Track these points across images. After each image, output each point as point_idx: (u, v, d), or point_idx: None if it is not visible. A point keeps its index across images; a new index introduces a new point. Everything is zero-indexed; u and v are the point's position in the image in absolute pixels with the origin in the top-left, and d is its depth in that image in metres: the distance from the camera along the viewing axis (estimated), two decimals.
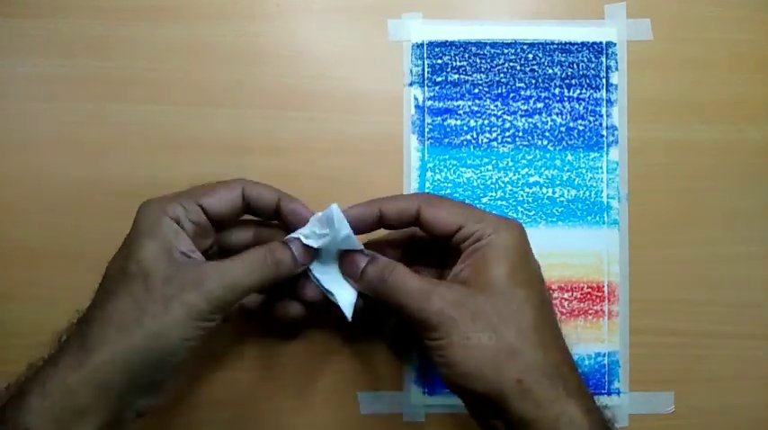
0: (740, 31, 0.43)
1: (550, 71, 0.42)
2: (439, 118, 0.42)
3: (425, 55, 0.42)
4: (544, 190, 0.42)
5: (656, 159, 0.42)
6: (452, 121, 0.42)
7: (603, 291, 0.42)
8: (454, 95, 0.42)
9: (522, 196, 0.42)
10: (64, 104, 0.41)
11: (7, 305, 0.40)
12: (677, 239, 0.42)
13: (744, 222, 0.42)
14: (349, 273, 0.34)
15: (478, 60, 0.42)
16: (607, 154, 0.42)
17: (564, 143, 0.42)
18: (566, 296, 0.42)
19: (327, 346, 0.41)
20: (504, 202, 0.42)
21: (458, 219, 0.33)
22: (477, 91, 0.42)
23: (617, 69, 0.42)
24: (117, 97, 0.41)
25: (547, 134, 0.42)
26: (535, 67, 0.42)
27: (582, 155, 0.42)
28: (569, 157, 0.42)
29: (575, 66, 0.42)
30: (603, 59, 0.42)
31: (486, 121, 0.42)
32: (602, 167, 0.42)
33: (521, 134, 0.42)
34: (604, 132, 0.42)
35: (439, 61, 0.42)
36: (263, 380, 0.41)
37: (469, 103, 0.42)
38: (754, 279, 0.42)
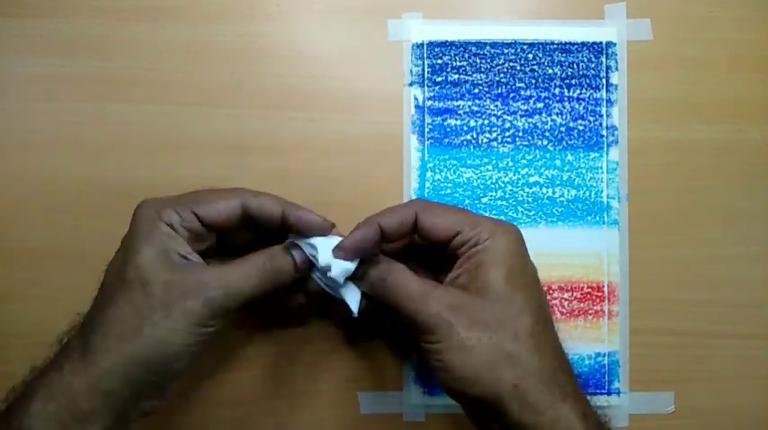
0: (740, 31, 0.43)
1: (550, 71, 0.42)
2: (439, 118, 0.42)
3: (425, 55, 0.42)
4: (544, 190, 0.42)
5: (656, 159, 0.42)
6: (452, 121, 0.42)
7: (603, 291, 0.42)
8: (454, 95, 0.42)
9: (522, 196, 0.42)
10: (64, 104, 0.41)
11: (7, 305, 0.40)
12: (677, 239, 0.42)
13: (744, 222, 0.42)
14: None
15: (478, 60, 0.42)
16: (607, 154, 0.42)
17: (564, 143, 0.42)
18: (566, 296, 0.42)
19: (327, 346, 0.41)
20: (504, 202, 0.42)
21: (454, 226, 0.33)
22: (477, 91, 0.42)
23: (617, 69, 0.42)
24: (117, 97, 0.41)
25: (547, 134, 0.42)
26: (535, 67, 0.42)
27: (582, 155, 0.42)
28: (569, 157, 0.42)
29: (575, 66, 0.42)
30: (603, 59, 0.42)
31: (486, 121, 0.42)
32: (602, 167, 0.42)
33: (521, 134, 0.42)
34: (604, 132, 0.42)
35: (439, 61, 0.42)
36: (263, 380, 0.41)
37: (469, 103, 0.42)
38: (754, 279, 0.42)
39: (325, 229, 0.33)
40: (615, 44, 0.42)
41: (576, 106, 0.42)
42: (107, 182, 0.41)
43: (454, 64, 0.42)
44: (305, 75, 0.42)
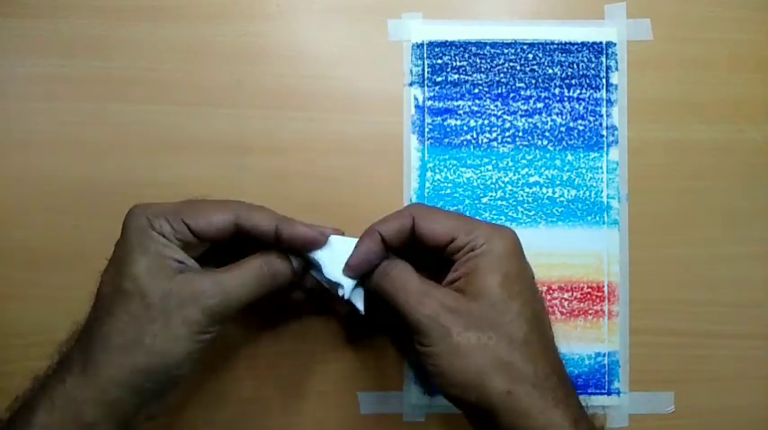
0: (740, 31, 0.43)
1: (550, 71, 0.42)
2: (439, 118, 0.42)
3: (425, 55, 0.42)
4: (544, 190, 0.42)
5: (656, 159, 0.42)
6: (452, 121, 0.42)
7: (603, 291, 0.42)
8: (454, 95, 0.42)
9: (522, 196, 0.42)
10: (64, 104, 0.41)
11: (7, 305, 0.40)
12: (677, 239, 0.42)
13: (744, 222, 0.42)
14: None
15: (478, 60, 0.42)
16: (607, 154, 0.42)
17: (564, 143, 0.42)
18: (566, 296, 0.42)
19: (327, 346, 0.41)
20: (504, 202, 0.42)
21: (450, 231, 0.32)
22: (477, 91, 0.42)
23: (617, 69, 0.42)
24: (117, 97, 0.41)
25: (547, 134, 0.42)
26: (535, 67, 0.42)
27: (582, 155, 0.42)
28: (569, 157, 0.42)
29: (575, 66, 0.42)
30: (603, 59, 0.42)
31: (486, 121, 0.42)
32: (602, 167, 0.42)
33: (521, 134, 0.42)
34: (604, 132, 0.42)
35: (439, 61, 0.42)
36: (263, 379, 0.41)
37: (469, 103, 0.42)
38: (754, 279, 0.42)
39: (320, 244, 0.33)
40: (615, 44, 0.42)
41: (576, 106, 0.42)
42: (107, 182, 0.41)
43: (454, 64, 0.42)
44: (305, 75, 0.42)
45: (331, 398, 0.41)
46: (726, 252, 0.42)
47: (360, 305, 0.35)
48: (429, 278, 0.34)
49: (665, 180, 0.42)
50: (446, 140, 0.42)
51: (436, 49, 0.42)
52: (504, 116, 0.42)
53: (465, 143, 0.42)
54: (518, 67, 0.42)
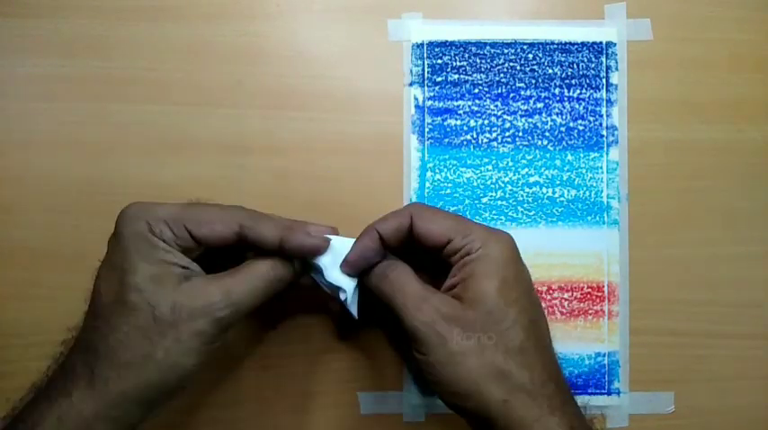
0: (740, 31, 0.43)
1: (550, 71, 0.42)
2: (439, 118, 0.42)
3: (425, 55, 0.42)
4: (544, 190, 0.42)
5: (656, 159, 0.42)
6: (452, 121, 0.42)
7: (603, 291, 0.42)
8: (454, 95, 0.42)
9: (522, 196, 0.42)
10: (64, 104, 0.41)
11: (7, 305, 0.40)
12: (677, 239, 0.42)
13: (744, 222, 0.42)
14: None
15: (478, 60, 0.42)
16: (607, 154, 0.42)
17: (564, 143, 0.42)
18: (566, 296, 0.42)
19: (327, 346, 0.41)
20: (504, 202, 0.42)
21: (447, 232, 0.32)
22: (477, 91, 0.42)
23: (617, 69, 0.42)
24: (117, 97, 0.41)
25: (547, 134, 0.42)
26: (535, 67, 0.42)
27: (582, 155, 0.42)
28: (569, 157, 0.42)
29: (575, 66, 0.42)
30: (603, 59, 0.42)
31: (486, 121, 0.42)
32: (602, 167, 0.42)
33: (521, 134, 0.42)
34: (604, 132, 0.42)
35: (439, 61, 0.42)
36: (262, 380, 0.41)
37: (469, 102, 0.42)
38: (754, 279, 0.42)
39: (323, 251, 0.33)
40: (615, 44, 0.42)
41: (576, 106, 0.42)
42: (107, 182, 0.41)
43: (454, 64, 0.42)
44: (305, 75, 0.42)
45: (331, 398, 0.41)
46: (726, 252, 0.42)
47: (354, 310, 0.34)
48: (428, 280, 0.34)
49: (665, 180, 0.42)
50: (446, 140, 0.42)
51: (436, 49, 0.42)
52: (504, 116, 0.42)
53: (465, 143, 0.42)
54: (518, 67, 0.42)
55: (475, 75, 0.42)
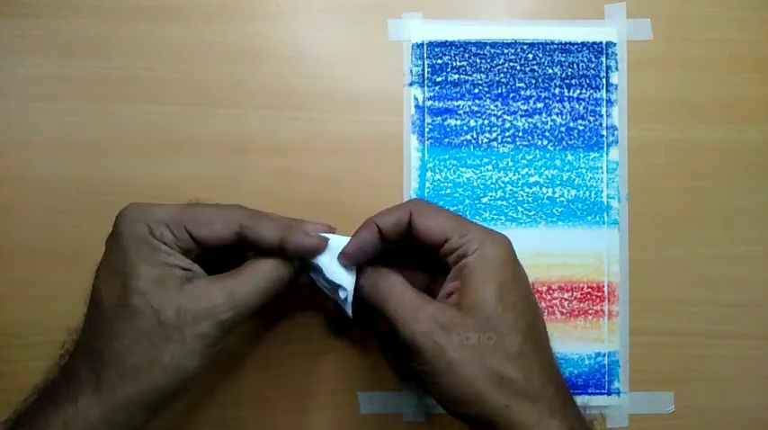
0: (740, 31, 0.43)
1: (550, 71, 0.42)
2: (439, 118, 0.42)
3: (425, 55, 0.42)
4: (544, 190, 0.42)
5: (656, 159, 0.42)
6: (452, 121, 0.42)
7: (603, 291, 0.42)
8: (454, 95, 0.42)
9: (522, 196, 0.42)
10: (64, 104, 0.41)
11: (7, 305, 0.40)
12: (677, 239, 0.42)
13: (744, 222, 0.42)
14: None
15: (478, 60, 0.42)
16: (607, 154, 0.42)
17: (564, 143, 0.42)
18: (566, 296, 0.42)
19: (327, 346, 0.41)
20: (504, 202, 0.42)
21: (444, 231, 0.32)
22: (477, 91, 0.42)
23: (617, 69, 0.42)
24: (117, 97, 0.41)
25: (547, 134, 0.42)
26: (535, 67, 0.42)
27: (582, 155, 0.42)
28: (569, 157, 0.42)
29: (575, 66, 0.42)
30: (603, 59, 0.42)
31: (486, 121, 0.42)
32: (602, 167, 0.42)
33: (521, 134, 0.42)
34: (604, 132, 0.42)
35: (439, 61, 0.42)
36: (262, 380, 0.41)
37: (469, 102, 0.42)
38: (754, 279, 0.42)
39: (321, 250, 0.33)
40: (615, 44, 0.42)
41: (576, 106, 0.42)
42: (107, 182, 0.41)
43: (454, 64, 0.42)
44: (305, 75, 0.42)
45: (331, 398, 0.41)
46: (726, 252, 0.42)
47: (348, 309, 0.34)
48: (426, 279, 0.34)
49: (665, 180, 0.42)
50: (446, 140, 0.42)
51: (436, 49, 0.42)
52: (504, 116, 0.42)
53: (465, 143, 0.42)
54: (518, 67, 0.42)
55: (475, 75, 0.42)
